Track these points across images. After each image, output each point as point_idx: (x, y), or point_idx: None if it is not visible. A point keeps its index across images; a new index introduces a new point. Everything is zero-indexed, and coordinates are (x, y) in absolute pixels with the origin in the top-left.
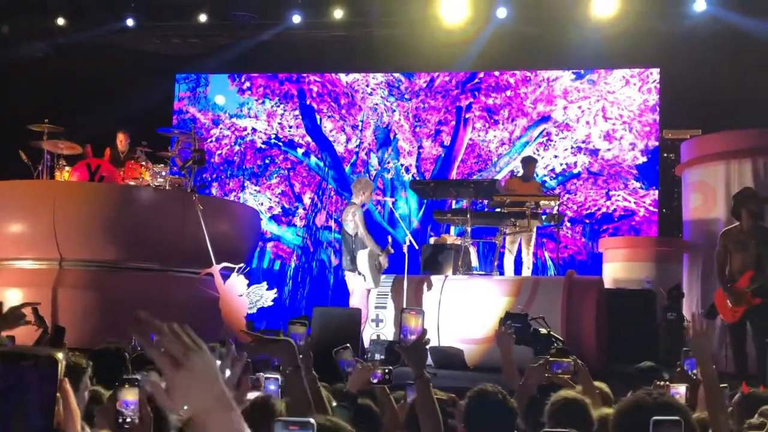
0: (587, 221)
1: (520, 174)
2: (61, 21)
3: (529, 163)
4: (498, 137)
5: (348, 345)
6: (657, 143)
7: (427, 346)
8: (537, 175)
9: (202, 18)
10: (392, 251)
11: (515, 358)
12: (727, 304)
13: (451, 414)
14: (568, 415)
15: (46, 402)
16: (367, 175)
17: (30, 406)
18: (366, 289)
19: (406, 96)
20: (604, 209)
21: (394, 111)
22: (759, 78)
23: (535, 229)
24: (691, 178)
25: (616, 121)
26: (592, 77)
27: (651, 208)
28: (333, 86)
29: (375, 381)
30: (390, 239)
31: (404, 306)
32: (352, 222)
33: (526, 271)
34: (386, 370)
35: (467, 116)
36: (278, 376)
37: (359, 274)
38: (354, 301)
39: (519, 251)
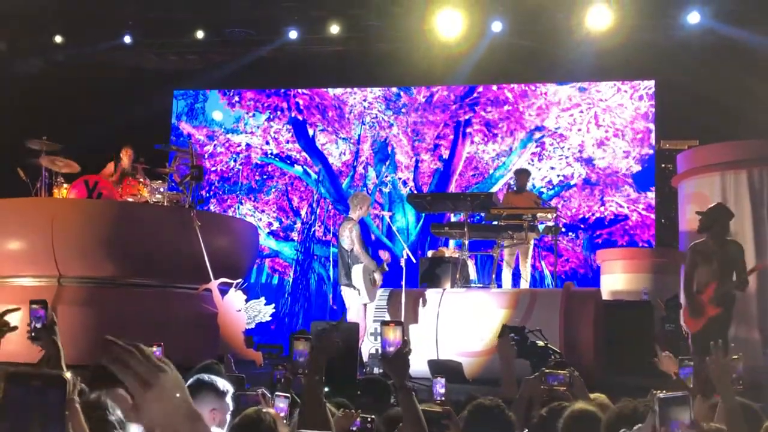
0: (582, 226)
1: (515, 188)
2: (58, 38)
3: (521, 174)
4: (496, 150)
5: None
6: (651, 152)
7: (428, 359)
8: (534, 187)
9: (199, 35)
10: (387, 269)
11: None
12: (687, 317)
13: (446, 426)
14: (581, 428)
15: (56, 422)
16: (365, 189)
17: (39, 426)
18: (362, 304)
19: (402, 111)
20: (597, 214)
21: (392, 125)
22: (754, 89)
23: (532, 242)
24: (687, 190)
25: (613, 130)
26: (587, 88)
27: (644, 212)
28: (321, 99)
29: (354, 429)
30: (386, 255)
31: (402, 319)
32: (349, 238)
33: (524, 283)
34: (368, 420)
35: (467, 131)
36: (288, 395)
37: (354, 288)
38: (351, 316)
39: (517, 263)
